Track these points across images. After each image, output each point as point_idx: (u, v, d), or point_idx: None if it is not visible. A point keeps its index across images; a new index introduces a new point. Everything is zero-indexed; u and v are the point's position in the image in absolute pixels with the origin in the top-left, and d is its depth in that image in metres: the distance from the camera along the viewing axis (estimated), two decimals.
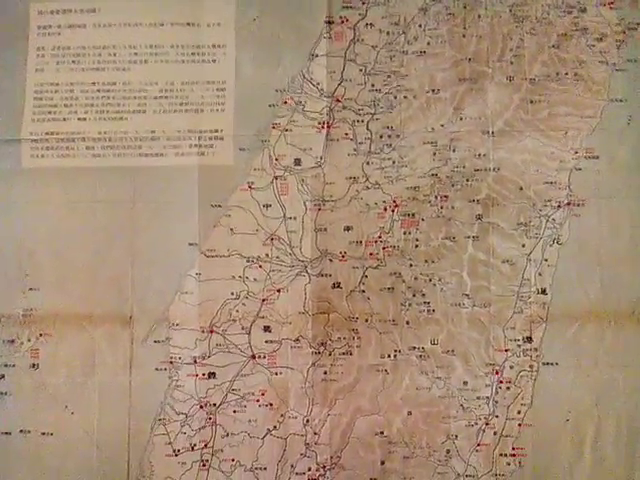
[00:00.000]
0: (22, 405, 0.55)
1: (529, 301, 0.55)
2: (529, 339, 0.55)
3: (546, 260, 0.55)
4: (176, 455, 0.54)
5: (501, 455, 0.54)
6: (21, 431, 0.54)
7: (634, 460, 0.54)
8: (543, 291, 0.55)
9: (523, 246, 0.56)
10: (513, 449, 0.54)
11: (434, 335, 0.55)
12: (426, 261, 0.56)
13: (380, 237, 0.56)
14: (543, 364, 0.55)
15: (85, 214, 0.56)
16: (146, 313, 0.55)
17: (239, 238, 0.56)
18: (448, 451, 0.55)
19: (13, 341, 0.55)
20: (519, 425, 0.54)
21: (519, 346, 0.55)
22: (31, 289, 0.56)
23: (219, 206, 0.56)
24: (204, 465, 0.54)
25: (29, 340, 0.55)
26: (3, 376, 0.55)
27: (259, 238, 0.56)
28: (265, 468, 0.54)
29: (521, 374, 0.55)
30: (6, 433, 0.54)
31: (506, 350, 0.55)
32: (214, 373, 0.55)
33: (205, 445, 0.54)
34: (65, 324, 0.55)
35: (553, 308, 0.55)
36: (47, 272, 0.56)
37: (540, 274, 0.55)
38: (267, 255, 0.56)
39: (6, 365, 0.55)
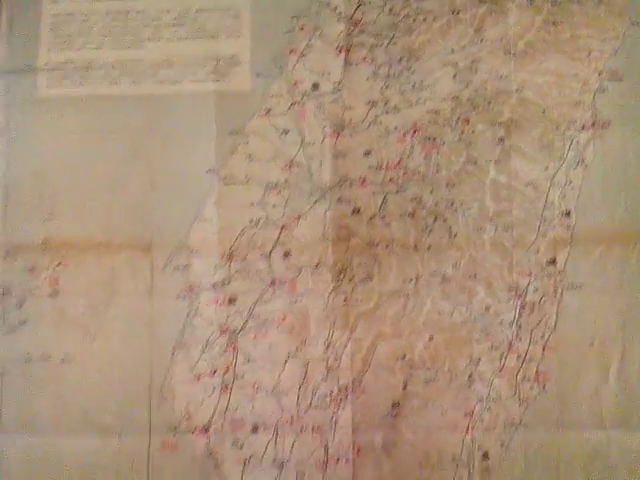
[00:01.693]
0: (42, 332, 0.55)
1: (553, 224, 0.54)
2: (553, 262, 0.54)
3: (570, 182, 0.54)
4: (198, 380, 0.55)
5: (524, 379, 0.54)
6: (41, 358, 0.55)
7: None
8: (567, 213, 0.54)
9: (546, 169, 0.55)
10: (537, 373, 0.54)
11: (456, 260, 0.55)
12: (447, 185, 0.55)
13: (400, 162, 0.55)
14: (567, 287, 0.54)
15: (102, 142, 0.56)
16: (165, 240, 0.55)
17: (257, 165, 0.56)
18: (470, 375, 0.54)
19: (32, 269, 0.55)
20: (543, 349, 0.54)
21: (543, 269, 0.54)
22: (49, 218, 0.56)
23: (237, 133, 0.56)
24: (225, 390, 0.55)
25: (48, 268, 0.55)
26: (23, 304, 0.56)
27: (277, 164, 0.56)
28: (286, 392, 0.55)
29: (545, 298, 0.54)
30: (26, 360, 0.55)
31: (529, 274, 0.54)
32: (234, 299, 0.55)
33: (226, 370, 0.55)
34: (84, 252, 0.55)
35: (577, 231, 0.54)
36: (65, 201, 0.56)
37: (564, 196, 0.54)
38: (286, 181, 0.55)
39: (26, 293, 0.56)
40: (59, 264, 0.55)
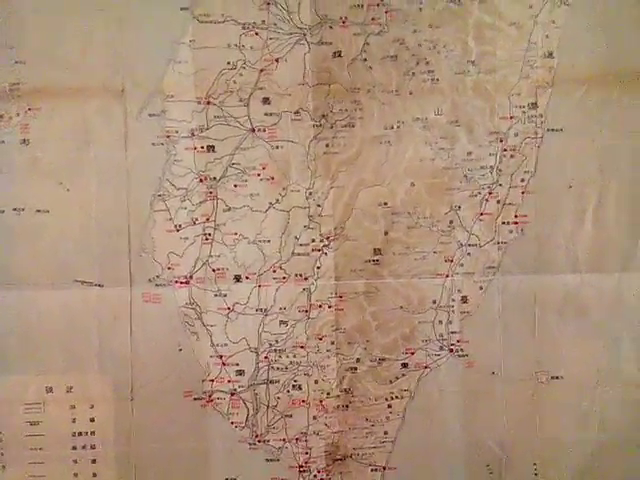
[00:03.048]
0: (14, 182, 0.53)
1: (535, 65, 0.54)
2: (534, 105, 0.54)
3: (553, 22, 0.53)
4: (178, 230, 0.53)
5: (504, 223, 0.54)
6: (15, 209, 0.53)
7: (634, 228, 0.55)
8: (550, 54, 0.54)
9: (530, 7, 0.53)
10: (516, 217, 0.54)
11: (438, 105, 0.54)
12: (430, 26, 0.53)
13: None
14: (548, 130, 0.54)
15: None
16: (139, 85, 0.53)
17: (234, 3, 0.53)
18: (451, 222, 0.54)
19: (1, 116, 0.53)
20: (522, 193, 0.54)
21: (524, 112, 0.54)
22: (17, 62, 0.52)
23: None
24: (207, 239, 0.54)
25: (18, 115, 0.52)
26: None
27: (255, 3, 0.53)
28: (269, 240, 0.54)
29: (525, 141, 0.54)
30: (0, 212, 0.54)
31: (511, 117, 0.54)
32: (213, 146, 0.53)
33: (207, 219, 0.54)
34: (55, 98, 0.53)
35: (559, 72, 0.54)
36: (34, 44, 0.53)
37: (547, 37, 0.53)
38: (264, 22, 0.53)
39: None
40: (29, 110, 0.53)
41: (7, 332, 0.53)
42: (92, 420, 0.53)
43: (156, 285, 0.53)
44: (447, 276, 0.55)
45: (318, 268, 0.54)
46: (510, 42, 0.53)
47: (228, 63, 0.53)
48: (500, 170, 0.54)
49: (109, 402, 0.53)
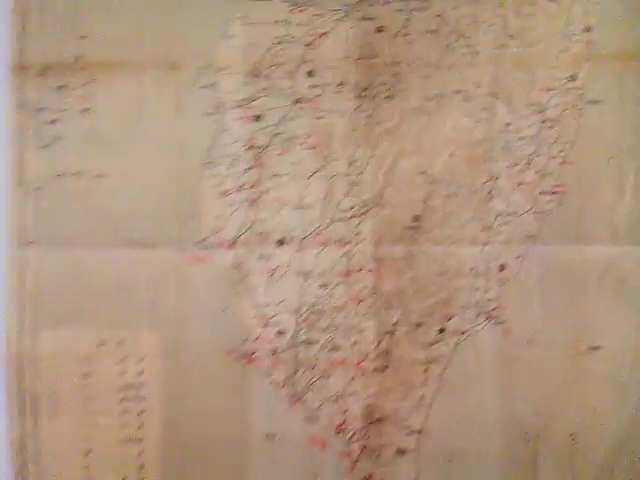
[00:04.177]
0: (74, 149, 0.56)
1: (574, 39, 0.55)
2: (573, 78, 0.55)
3: None
4: (224, 196, 0.56)
5: (542, 193, 0.55)
6: (74, 174, 0.57)
7: None
8: (588, 29, 0.55)
9: None
10: (554, 187, 0.56)
11: (477, 78, 0.56)
12: (470, 2, 0.55)
13: None
14: (587, 102, 0.55)
15: None
16: (192, 59, 0.56)
17: None
18: (490, 191, 0.56)
19: (63, 87, 0.57)
20: (561, 163, 0.55)
21: (563, 85, 0.55)
22: (81, 36, 0.57)
23: None
24: (252, 205, 0.56)
25: (80, 86, 0.57)
26: (55, 121, 0.57)
27: None
28: (311, 207, 0.56)
29: (565, 113, 0.55)
30: (59, 175, 0.57)
31: (550, 89, 0.55)
32: (259, 117, 0.56)
33: (252, 186, 0.57)
34: (113, 70, 0.56)
35: (598, 46, 0.55)
36: (95, 19, 0.56)
37: (586, 12, 0.55)
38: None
39: (57, 110, 0.57)
40: (90, 81, 0.57)
41: (62, 290, 0.56)
42: (141, 374, 0.56)
43: (203, 248, 0.56)
44: (485, 244, 0.56)
45: (358, 234, 0.56)
46: (549, 17, 0.55)
47: (276, 38, 0.56)
48: (539, 141, 0.55)
49: (157, 357, 0.56)
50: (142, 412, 0.56)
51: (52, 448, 0.56)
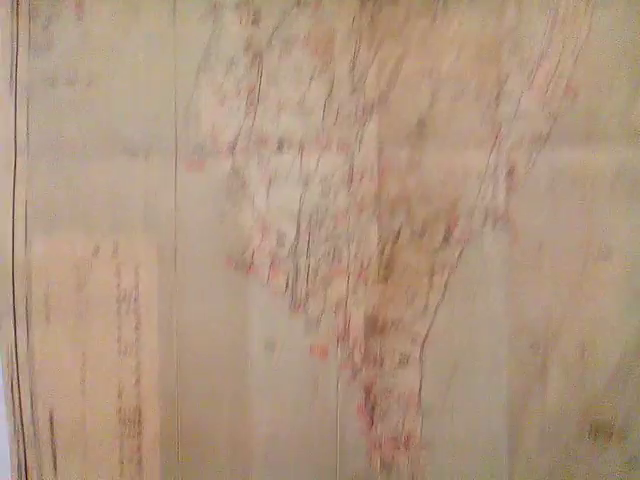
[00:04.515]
0: (68, 54, 0.54)
1: None
2: None
3: None
4: (222, 100, 0.55)
5: (552, 94, 0.52)
6: (67, 80, 0.55)
7: None
8: None
9: None
10: (566, 87, 0.53)
11: None
12: None
13: None
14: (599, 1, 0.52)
15: None
16: None
17: None
18: (498, 93, 0.53)
19: None
20: (573, 63, 0.53)
21: None
22: None
23: None
24: (250, 109, 0.54)
25: None
26: (49, 25, 0.56)
27: None
28: (312, 110, 0.54)
29: (576, 11, 0.52)
30: (52, 82, 0.55)
31: None
32: (258, 18, 0.55)
33: (251, 90, 0.55)
34: None
35: None
36: None
37: None
38: None
39: (52, 15, 0.55)
40: None
41: (55, 197, 0.55)
42: (136, 283, 0.55)
43: (200, 154, 0.55)
44: (493, 147, 0.54)
45: (360, 138, 0.54)
46: None
47: None
48: (550, 38, 0.53)
49: (154, 265, 0.55)
50: (138, 322, 0.55)
51: (46, 356, 0.55)
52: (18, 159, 0.55)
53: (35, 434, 0.56)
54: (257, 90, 0.54)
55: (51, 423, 0.56)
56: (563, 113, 0.53)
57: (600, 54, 0.52)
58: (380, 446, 0.55)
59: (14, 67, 0.55)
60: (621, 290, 0.53)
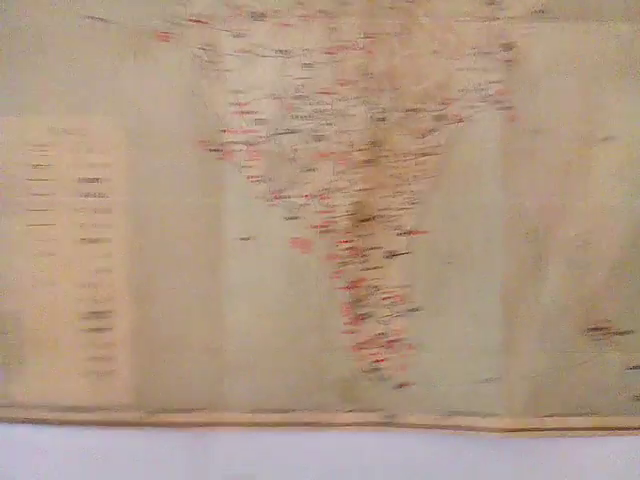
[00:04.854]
0: None
1: None
2: None
3: None
4: None
5: None
6: None
7: None
8: None
9: None
10: None
11: None
12: None
13: None
14: None
15: None
16: None
17: None
18: None
19: None
20: None
21: None
22: None
23: None
24: None
25: None
26: None
27: None
28: None
29: None
30: None
31: None
32: None
33: None
34: None
35: None
36: None
37: None
38: None
39: None
40: None
41: (7, 70, 0.49)
42: (101, 165, 0.50)
43: (169, 23, 0.49)
44: (489, 20, 0.49)
45: (345, 4, 0.49)
46: None
47: None
48: None
49: (119, 147, 0.50)
50: (104, 209, 0.50)
51: (7, 249, 0.50)
52: None
53: (2, 330, 0.51)
54: None
55: (18, 318, 0.51)
56: None
57: None
58: (365, 346, 0.52)
59: None
60: (622, 176, 0.49)
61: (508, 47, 0.49)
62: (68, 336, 0.51)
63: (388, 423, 0.52)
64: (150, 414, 0.51)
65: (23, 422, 0.52)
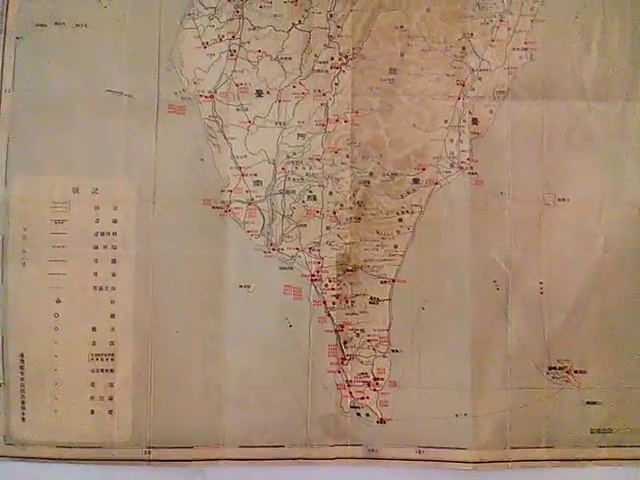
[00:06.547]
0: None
1: None
2: None
3: None
4: (204, 47, 0.57)
5: (514, 49, 0.57)
6: (56, 23, 0.56)
7: (638, 58, 0.58)
8: None
9: None
10: (525, 43, 0.57)
11: None
12: None
13: None
14: None
15: None
16: None
17: None
18: (464, 47, 0.57)
19: None
20: (532, 21, 0.57)
21: None
22: None
23: None
24: (232, 55, 0.57)
25: None
26: None
27: None
28: (290, 58, 0.57)
29: None
30: (41, 25, 0.56)
31: None
32: None
33: (233, 37, 0.57)
34: None
35: None
36: None
37: None
38: None
39: None
40: None
41: (37, 137, 0.56)
42: (115, 221, 0.56)
43: (182, 98, 0.57)
44: (459, 98, 0.57)
45: (336, 84, 0.57)
46: None
47: None
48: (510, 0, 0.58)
49: (132, 204, 0.56)
50: (114, 261, 0.56)
51: (20, 295, 0.55)
52: (3, 98, 0.56)
53: (4, 373, 0.56)
54: (238, 37, 0.57)
55: (22, 362, 0.56)
56: (522, 68, 0.57)
57: (556, 13, 0.57)
58: (350, 385, 0.57)
59: (4, 7, 0.56)
60: (576, 231, 0.57)
61: (475, 121, 0.57)
62: (73, 376, 0.56)
63: (369, 457, 0.57)
64: (150, 450, 0.56)
65: (26, 459, 0.56)
